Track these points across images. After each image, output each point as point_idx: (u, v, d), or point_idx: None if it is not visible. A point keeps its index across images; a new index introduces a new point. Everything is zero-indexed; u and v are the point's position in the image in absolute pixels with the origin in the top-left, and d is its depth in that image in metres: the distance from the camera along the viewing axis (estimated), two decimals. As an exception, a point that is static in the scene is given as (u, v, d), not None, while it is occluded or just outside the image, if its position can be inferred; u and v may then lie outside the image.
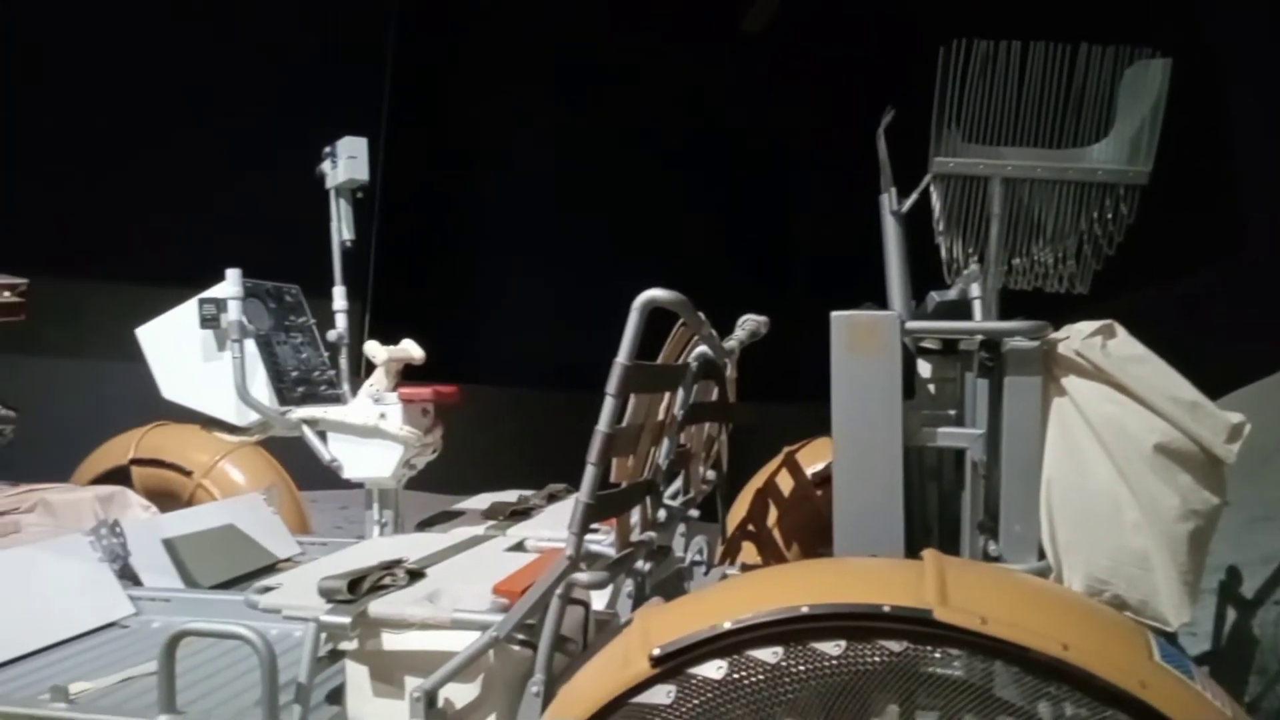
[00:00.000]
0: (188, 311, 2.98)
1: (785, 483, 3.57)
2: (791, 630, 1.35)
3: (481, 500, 3.33)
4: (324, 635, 2.12)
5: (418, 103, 6.64)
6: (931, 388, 2.50)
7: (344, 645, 2.12)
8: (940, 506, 2.48)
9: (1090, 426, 1.92)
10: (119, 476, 4.03)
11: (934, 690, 1.34)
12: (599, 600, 2.60)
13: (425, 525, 3.09)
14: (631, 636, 1.48)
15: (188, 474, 4.06)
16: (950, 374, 2.46)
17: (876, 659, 1.32)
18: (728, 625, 1.37)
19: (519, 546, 2.70)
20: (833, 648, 1.34)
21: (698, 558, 3.20)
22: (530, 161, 6.67)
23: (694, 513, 3.11)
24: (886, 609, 1.33)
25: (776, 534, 3.56)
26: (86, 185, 6.43)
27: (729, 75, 6.42)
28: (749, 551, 3.57)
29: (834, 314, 1.98)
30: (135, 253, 6.15)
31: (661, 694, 1.39)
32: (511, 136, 6.74)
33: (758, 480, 3.64)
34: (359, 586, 2.10)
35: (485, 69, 6.79)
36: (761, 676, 1.36)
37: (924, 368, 2.49)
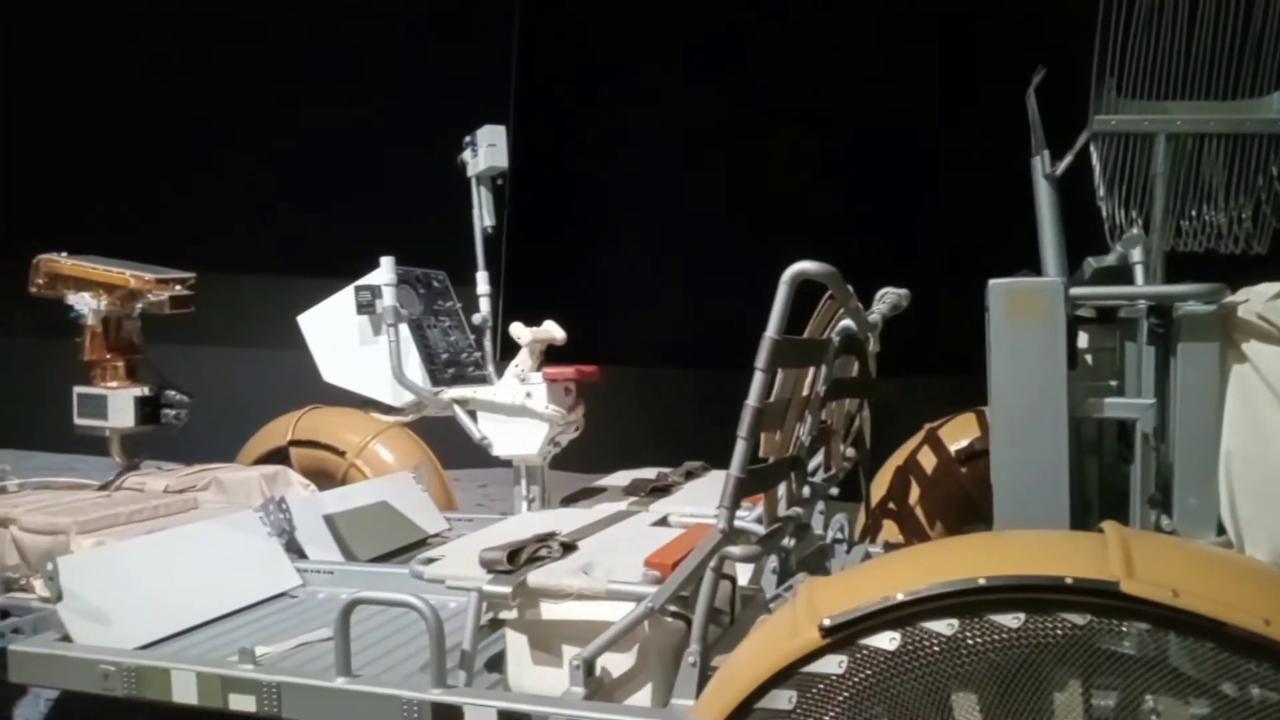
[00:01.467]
0: (345, 299, 3.13)
1: (927, 459, 3.50)
2: (968, 602, 1.33)
3: (621, 477, 3.38)
4: (484, 604, 2.21)
5: (545, 85, 6.76)
6: (1089, 357, 2.40)
7: (504, 614, 2.20)
8: (1100, 481, 2.39)
9: (1275, 394, 1.81)
10: (279, 456, 4.27)
11: (1117, 666, 1.30)
12: (742, 576, 2.62)
13: (569, 501, 3.17)
14: (797, 608, 1.48)
15: (341, 454, 4.27)
16: (1109, 343, 2.36)
17: (1058, 632, 1.29)
18: (901, 596, 1.36)
19: (663, 521, 2.74)
20: (1011, 620, 1.31)
21: (839, 535, 3.17)
22: (659, 140, 6.67)
23: (834, 490, 3.08)
24: (1069, 580, 1.29)
25: (919, 511, 3.50)
26: (241, 182, 6.83)
27: (857, 44, 6.27)
28: (890, 529, 3.52)
29: (993, 282, 1.92)
30: (286, 245, 6.51)
31: (833, 664, 1.39)
32: (639, 116, 6.76)
33: (898, 458, 3.57)
34: (517, 558, 2.17)
35: (611, 48, 6.84)
36: (936, 648, 1.34)
37: (1079, 337, 2.40)
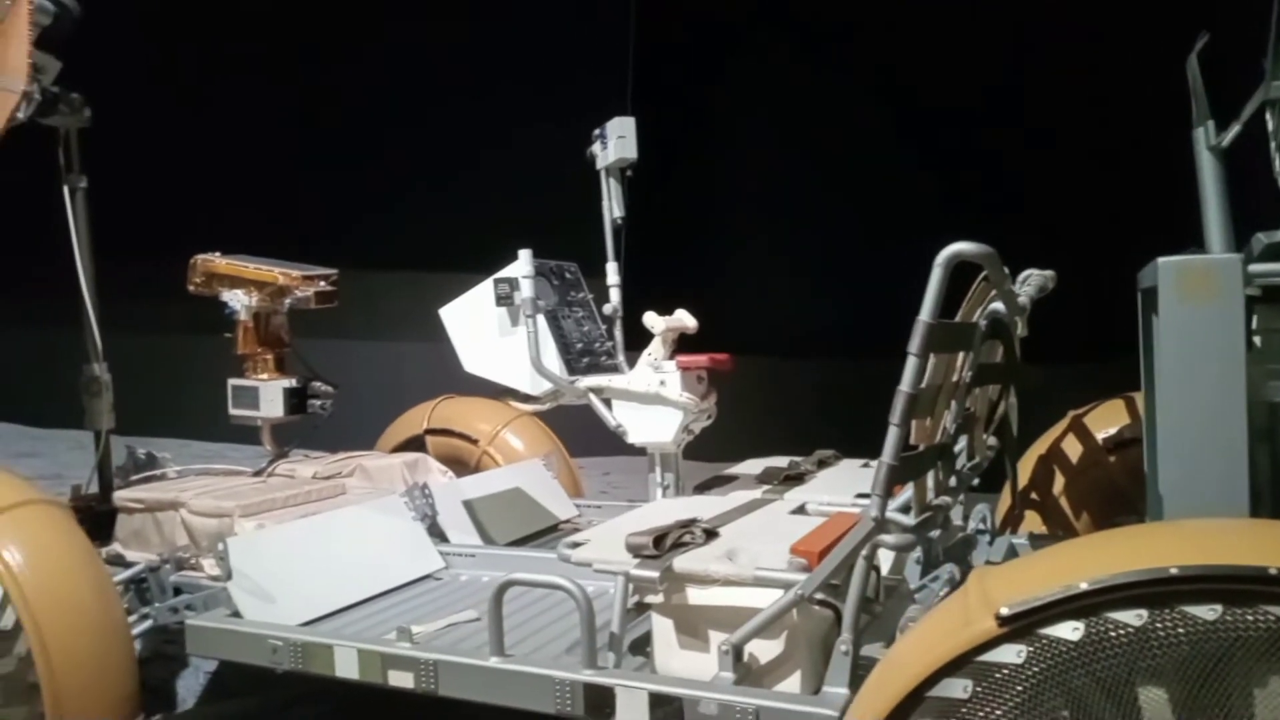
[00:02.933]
0: (484, 291, 3.22)
1: (1072, 448, 3.37)
2: (1159, 592, 1.28)
3: (753, 465, 3.38)
4: (631, 588, 2.24)
5: (666, 73, 6.79)
6: (1258, 339, 2.27)
7: (650, 598, 2.23)
8: (1273, 471, 2.25)
9: None
10: (415, 444, 4.43)
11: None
12: (882, 566, 2.58)
13: (703, 488, 3.18)
14: (970, 597, 1.45)
15: (474, 442, 4.40)
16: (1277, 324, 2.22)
17: (1261, 626, 1.22)
18: (1084, 586, 1.31)
19: (800, 510, 2.72)
20: (1207, 612, 1.25)
21: (981, 526, 3.09)
22: (785, 125, 6.60)
23: (975, 481, 3.00)
24: (1273, 571, 1.22)
25: (1064, 502, 3.37)
26: (376, 182, 7.13)
27: (990, 16, 6.05)
28: (1032, 520, 3.40)
29: (1162, 260, 1.83)
30: (417, 241, 6.75)
31: (1011, 653, 1.36)
32: (764, 101, 6.72)
33: (1040, 446, 3.45)
34: (662, 543, 2.19)
35: (731, 33, 6.82)
36: (1124, 640, 1.29)
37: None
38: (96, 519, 3.37)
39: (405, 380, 5.48)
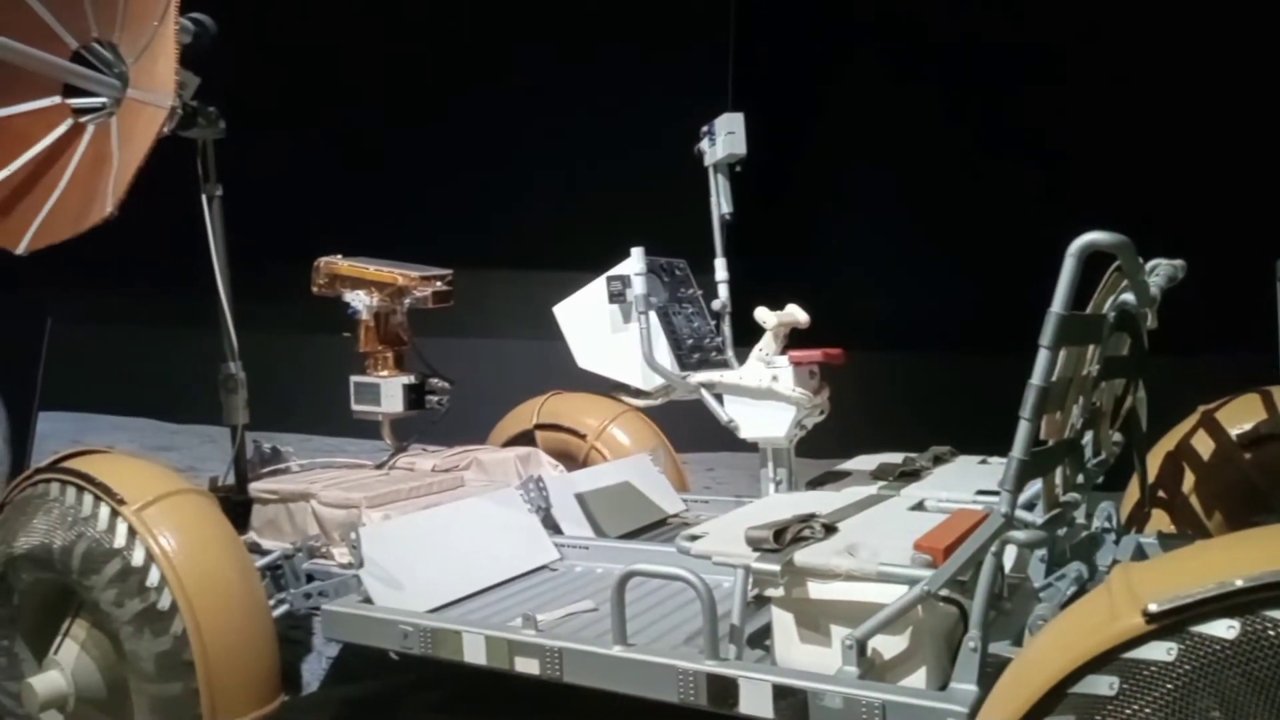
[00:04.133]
0: (597, 289, 3.28)
1: (1203, 444, 3.23)
2: (1322, 592, 1.24)
3: (865, 462, 3.35)
4: (750, 581, 2.26)
5: (769, 67, 6.78)
6: None
7: (770, 591, 2.24)
8: None
9: None
10: (525, 439, 4.54)
11: None
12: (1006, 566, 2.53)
13: (815, 484, 3.17)
14: (1114, 593, 1.43)
15: (582, 436, 4.48)
16: None
17: None
18: (1240, 583, 1.28)
19: (919, 506, 2.69)
20: (1377, 613, 1.21)
21: (1106, 524, 2.99)
22: (895, 117, 6.52)
23: (1098, 479, 2.91)
24: None
25: (1194, 500, 3.24)
26: (483, 183, 7.35)
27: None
28: (1160, 519, 3.28)
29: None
30: (523, 240, 6.92)
31: (1160, 650, 1.33)
32: (874, 92, 6.63)
33: (1168, 442, 3.32)
34: (782, 537, 2.21)
35: (838, 22, 6.76)
36: (1283, 639, 1.26)
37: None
38: (234, 509, 3.56)
39: (513, 377, 5.61)
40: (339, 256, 4.20)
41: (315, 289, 4.26)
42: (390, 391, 4.03)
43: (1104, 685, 1.37)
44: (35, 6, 3.12)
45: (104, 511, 2.70)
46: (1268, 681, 1.26)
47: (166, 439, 7.74)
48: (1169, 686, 1.31)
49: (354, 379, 4.14)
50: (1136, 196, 5.49)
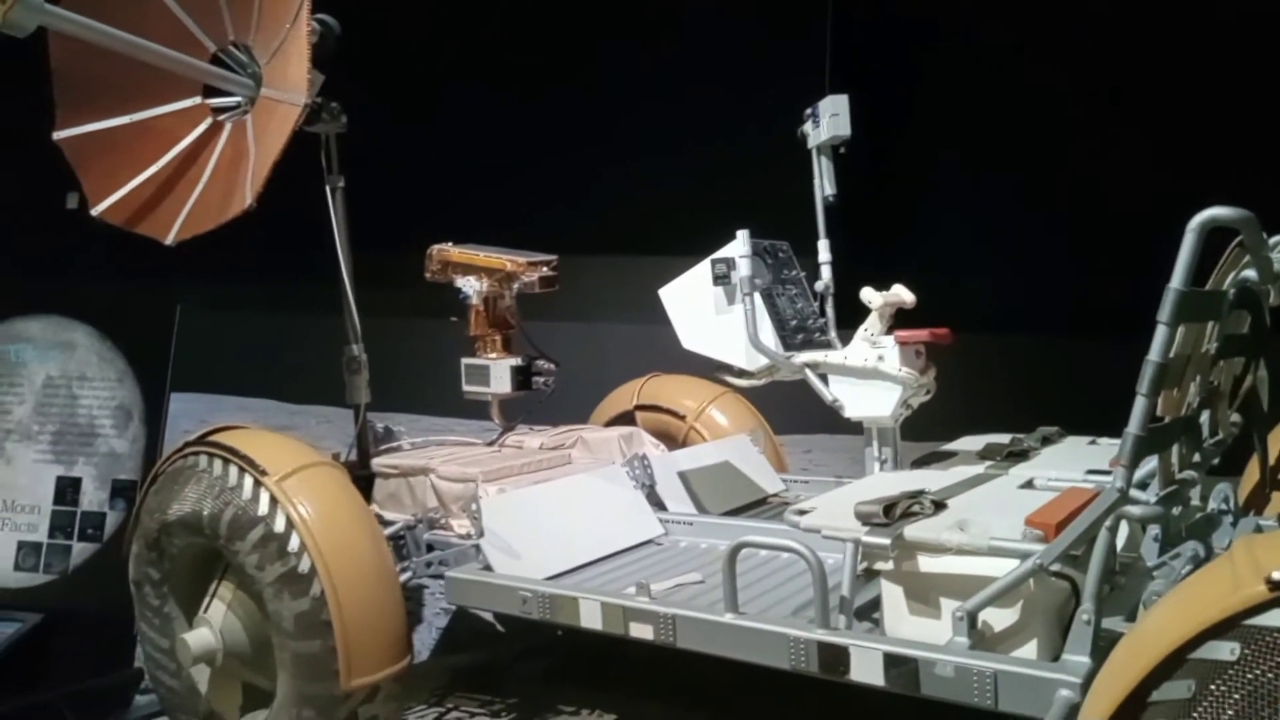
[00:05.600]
0: (702, 271, 3.35)
1: (1327, 425, 3.13)
2: None
3: (972, 442, 3.35)
4: (860, 554, 2.32)
5: (872, 47, 6.73)
6: None
7: (879, 565, 2.29)
8: None
9: None
10: (626, 419, 4.66)
11: None
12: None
13: (921, 464, 3.19)
14: (1236, 563, 1.44)
15: (681, 418, 4.58)
16: None
17: None
18: (1367, 553, 1.30)
19: (1028, 484, 2.70)
20: None
21: (1223, 506, 2.93)
22: (999, 95, 6.39)
23: (1215, 460, 2.86)
24: None
25: (1319, 483, 3.14)
26: (587, 170, 7.53)
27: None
28: (1278, 501, 3.19)
29: None
30: (621, 226, 7.05)
31: (1280, 619, 1.36)
32: (973, 74, 6.52)
33: (1289, 425, 3.22)
34: (892, 512, 2.26)
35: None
36: None
37: None
38: (358, 483, 3.77)
39: (612, 360, 5.74)
40: (450, 244, 4.38)
41: (428, 275, 4.45)
42: (499, 373, 4.20)
43: (1225, 651, 1.39)
44: (177, 12, 3.34)
45: (248, 482, 2.91)
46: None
47: (287, 419, 8.17)
48: (1293, 653, 1.33)
49: (464, 361, 4.32)
50: (1261, 172, 5.27)
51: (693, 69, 7.13)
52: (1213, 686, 1.40)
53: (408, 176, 7.53)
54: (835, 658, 2.18)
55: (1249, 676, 1.37)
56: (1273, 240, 2.88)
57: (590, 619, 2.64)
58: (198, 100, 3.44)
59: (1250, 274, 2.35)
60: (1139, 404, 1.87)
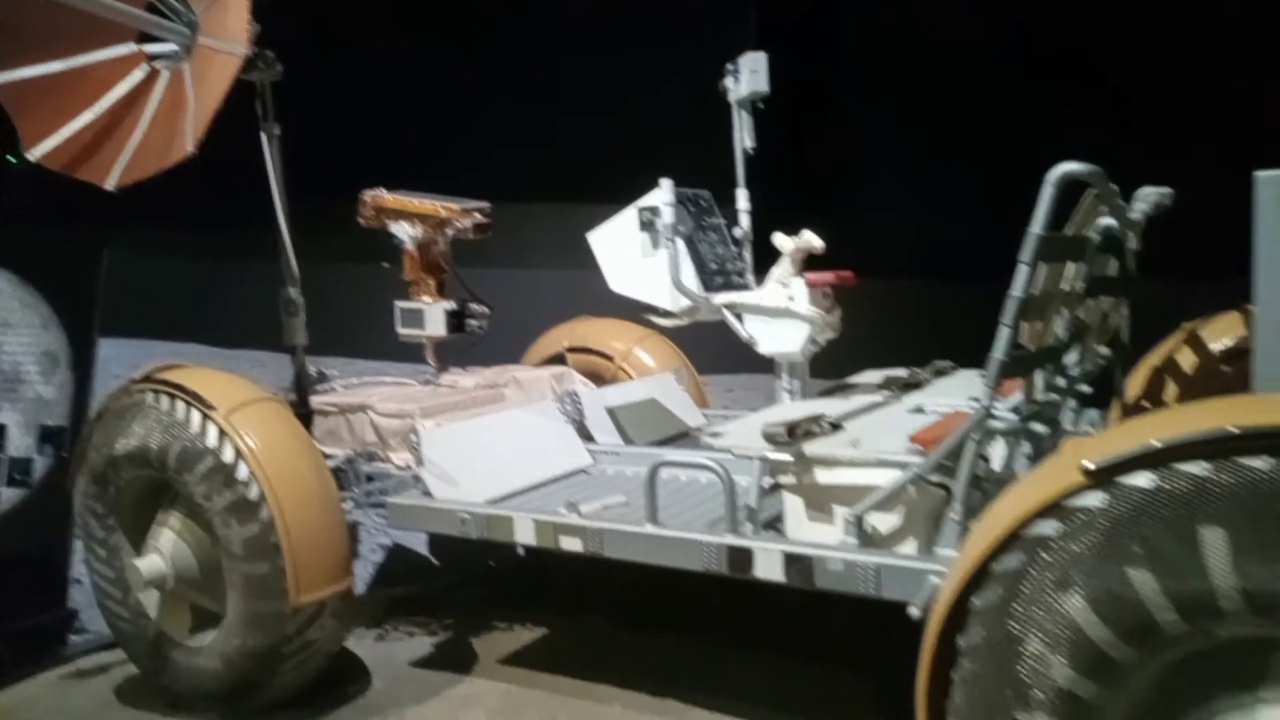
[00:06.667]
0: (629, 217, 3.56)
1: (1187, 359, 3.50)
2: (1219, 448, 1.54)
3: (873, 375, 3.65)
4: (766, 470, 2.60)
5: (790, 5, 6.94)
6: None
7: (782, 479, 2.57)
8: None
9: None
10: (556, 361, 4.86)
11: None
12: (996, 461, 2.84)
13: (825, 394, 3.47)
14: (1061, 458, 1.74)
15: (609, 358, 4.80)
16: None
17: (1306, 473, 1.48)
18: (1157, 443, 1.59)
19: (918, 410, 3.00)
20: (1260, 463, 1.51)
21: (1090, 429, 3.29)
22: (901, 52, 6.67)
23: (1086, 388, 3.19)
24: (1319, 427, 1.47)
25: (1175, 411, 3.51)
26: (513, 120, 7.61)
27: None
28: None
29: (1260, 174, 2.01)
30: (548, 174, 7.19)
31: (1094, 499, 1.65)
32: (883, 24, 6.80)
33: (1154, 358, 3.58)
34: (794, 432, 2.53)
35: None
36: (1188, 486, 1.57)
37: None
38: (297, 419, 3.92)
39: (543, 303, 5.92)
40: (383, 190, 4.47)
41: (362, 220, 4.53)
42: (434, 316, 4.34)
43: (1049, 528, 1.69)
44: (109, -43, 3.37)
45: (196, 416, 3.06)
46: (1175, 521, 1.57)
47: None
48: (1100, 527, 1.63)
49: (399, 305, 4.44)
50: (1138, 128, 5.67)
51: (622, 22, 7.25)
52: (1040, 557, 1.70)
53: (339, 123, 7.52)
54: (742, 559, 2.46)
55: (1070, 548, 1.67)
56: (1138, 192, 3.22)
57: (524, 535, 2.88)
58: (133, 47, 3.48)
59: (1113, 222, 2.66)
60: (1002, 333, 2.16)
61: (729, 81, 3.65)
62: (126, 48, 3.45)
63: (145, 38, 3.46)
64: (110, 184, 3.29)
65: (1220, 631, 1.59)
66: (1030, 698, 1.72)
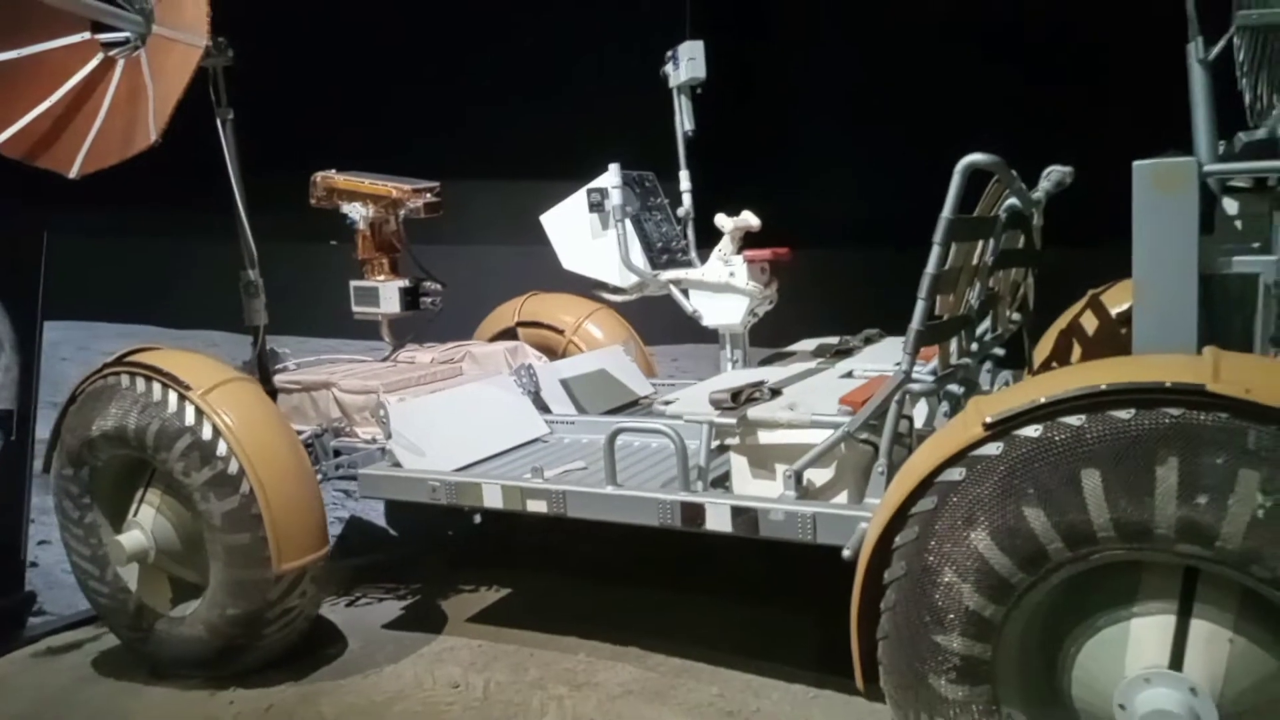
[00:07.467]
0: (579, 199, 3.76)
1: (1090, 322, 3.84)
2: (1092, 402, 1.84)
3: (808, 344, 3.94)
4: (714, 433, 2.86)
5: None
6: (1239, 223, 2.72)
7: (728, 440, 2.84)
8: (1242, 333, 2.74)
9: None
10: (508, 336, 5.06)
11: (1203, 444, 1.77)
12: (920, 420, 3.14)
13: (765, 363, 3.75)
14: (967, 414, 2.03)
15: (560, 332, 5.02)
16: (1259, 210, 2.67)
17: (1160, 422, 1.78)
18: (1043, 399, 1.88)
19: (849, 374, 3.29)
20: (1125, 414, 1.81)
21: (1003, 389, 3.62)
22: (829, 41, 6.97)
23: (1000, 350, 3.51)
24: (1168, 384, 1.77)
25: (1079, 370, 3.86)
26: (463, 101, 7.71)
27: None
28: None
29: (1137, 163, 2.30)
30: (499, 155, 7.32)
31: (992, 449, 1.94)
32: (813, 18, 7.08)
33: (1061, 322, 3.92)
34: (738, 398, 2.79)
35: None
36: (1068, 435, 1.87)
37: (1230, 205, 2.71)
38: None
39: (493, 280, 6.09)
40: (334, 171, 4.58)
41: (313, 201, 4.64)
42: (388, 294, 4.50)
43: (956, 474, 1.98)
44: (60, -53, 3.43)
45: (173, 397, 3.20)
46: (1059, 465, 1.87)
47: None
48: (999, 470, 1.93)
49: (353, 284, 4.58)
50: (1053, 111, 6.05)
51: (571, 7, 7.39)
52: (950, 499, 1.99)
53: (287, 104, 7.51)
54: (694, 513, 2.73)
55: (973, 491, 1.97)
56: (1045, 171, 3.53)
57: (492, 499, 3.10)
58: (87, 36, 3.55)
59: (1016, 202, 2.96)
60: (919, 306, 2.43)
61: (669, 68, 3.86)
62: (79, 36, 3.52)
63: (99, 27, 3.54)
64: (73, 173, 3.39)
65: (1098, 556, 1.90)
66: (945, 620, 2.02)
